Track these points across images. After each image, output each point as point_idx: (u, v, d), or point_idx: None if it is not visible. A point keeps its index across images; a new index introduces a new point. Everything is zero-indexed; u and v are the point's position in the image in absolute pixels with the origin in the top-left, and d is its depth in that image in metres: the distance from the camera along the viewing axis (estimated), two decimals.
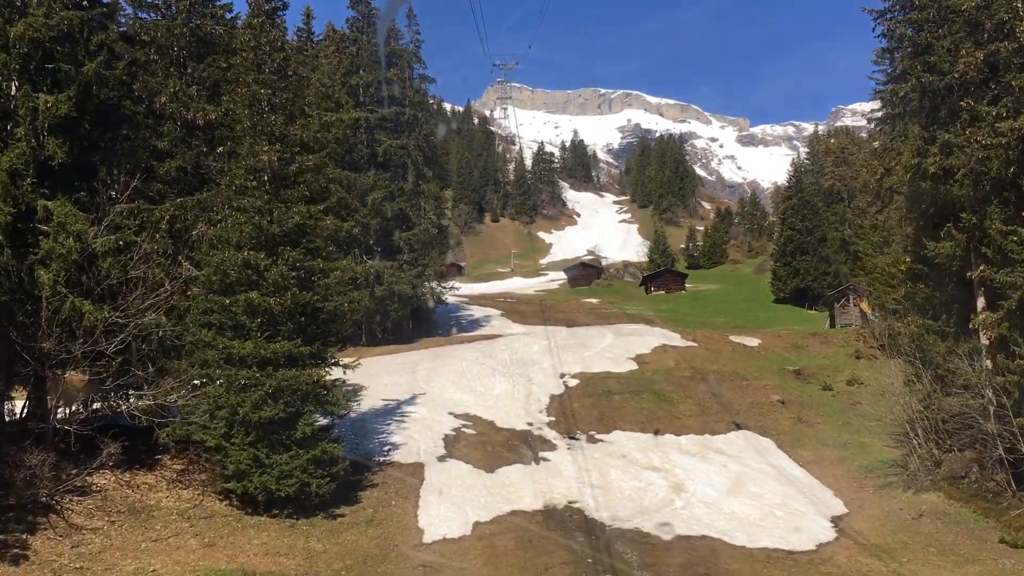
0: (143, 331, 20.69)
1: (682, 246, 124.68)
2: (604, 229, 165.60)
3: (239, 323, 22.05)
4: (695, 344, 43.33)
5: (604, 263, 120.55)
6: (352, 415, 29.49)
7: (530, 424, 30.10)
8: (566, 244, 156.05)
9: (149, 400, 21.09)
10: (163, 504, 20.83)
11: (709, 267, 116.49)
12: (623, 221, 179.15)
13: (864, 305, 46.84)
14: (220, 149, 23.92)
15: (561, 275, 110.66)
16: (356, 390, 30.59)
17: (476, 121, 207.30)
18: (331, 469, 21.98)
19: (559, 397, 33.35)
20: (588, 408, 31.76)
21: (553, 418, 30.85)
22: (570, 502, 22.57)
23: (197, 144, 25.10)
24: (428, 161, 51.06)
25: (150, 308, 20.67)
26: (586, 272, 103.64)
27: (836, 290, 49.36)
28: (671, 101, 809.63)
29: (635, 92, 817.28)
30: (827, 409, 33.71)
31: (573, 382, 35.42)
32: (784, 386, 36.17)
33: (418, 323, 49.47)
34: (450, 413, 30.67)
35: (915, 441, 24.61)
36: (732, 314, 65.58)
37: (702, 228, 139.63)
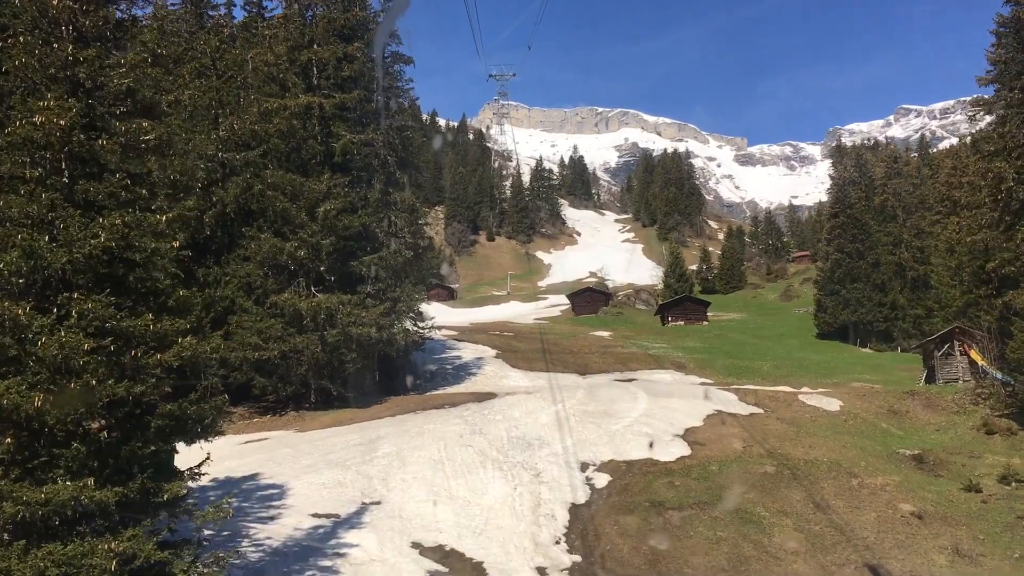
0: None
1: (693, 268, 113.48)
2: (607, 249, 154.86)
3: None
4: (759, 410, 31.96)
5: (610, 286, 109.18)
6: (252, 555, 18.20)
7: (541, 571, 18.62)
8: (566, 265, 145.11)
9: None
10: None
11: (726, 292, 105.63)
12: (626, 240, 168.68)
13: (975, 354, 35.62)
14: None
15: (562, 299, 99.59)
16: (260, 506, 19.23)
17: (471, 136, 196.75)
18: None
19: (582, 511, 21.86)
20: (631, 538, 20.26)
21: (578, 558, 19.32)
22: None
23: None
24: (402, 163, 39.64)
25: None
26: (592, 298, 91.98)
27: (937, 334, 37.93)
28: (668, 120, 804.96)
29: (632, 111, 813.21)
30: (986, 527, 22.33)
31: (601, 480, 23.97)
32: (909, 485, 24.75)
33: (387, 374, 37.89)
34: (414, 546, 19.21)
35: None
36: (775, 355, 54.34)
37: (712, 249, 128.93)
